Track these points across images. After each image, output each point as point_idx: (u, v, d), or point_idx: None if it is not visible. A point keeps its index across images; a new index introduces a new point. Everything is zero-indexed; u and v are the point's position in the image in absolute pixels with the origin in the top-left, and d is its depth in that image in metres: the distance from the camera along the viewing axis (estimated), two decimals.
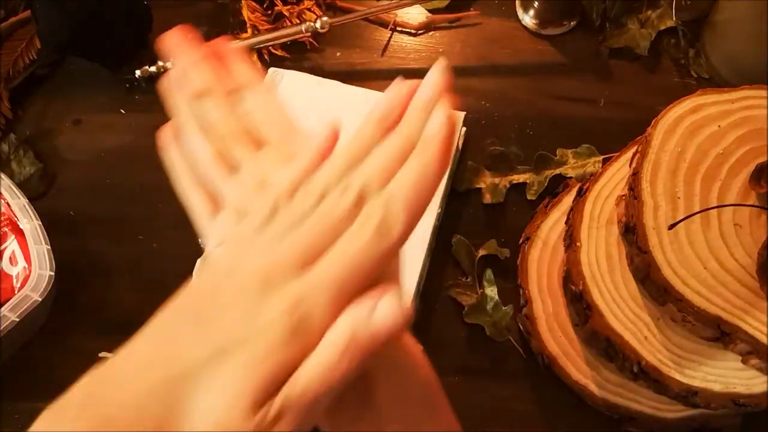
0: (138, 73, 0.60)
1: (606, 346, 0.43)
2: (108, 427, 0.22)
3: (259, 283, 0.24)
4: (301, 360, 0.23)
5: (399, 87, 0.27)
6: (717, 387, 0.41)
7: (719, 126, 0.43)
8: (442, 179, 0.27)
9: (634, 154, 0.44)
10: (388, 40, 0.62)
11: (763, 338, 0.37)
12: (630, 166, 0.45)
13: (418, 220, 0.25)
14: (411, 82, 0.27)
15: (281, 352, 0.23)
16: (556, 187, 0.54)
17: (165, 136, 0.31)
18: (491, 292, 0.51)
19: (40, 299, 0.47)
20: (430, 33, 0.62)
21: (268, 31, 0.60)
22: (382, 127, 0.27)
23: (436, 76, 0.27)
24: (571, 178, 0.54)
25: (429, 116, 0.26)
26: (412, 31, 0.62)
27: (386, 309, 0.23)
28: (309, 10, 0.61)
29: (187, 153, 0.31)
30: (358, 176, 0.25)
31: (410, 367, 0.29)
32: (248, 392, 0.22)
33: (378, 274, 0.24)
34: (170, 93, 0.30)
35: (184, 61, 0.30)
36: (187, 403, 0.22)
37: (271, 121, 0.30)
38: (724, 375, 0.41)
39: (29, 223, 0.49)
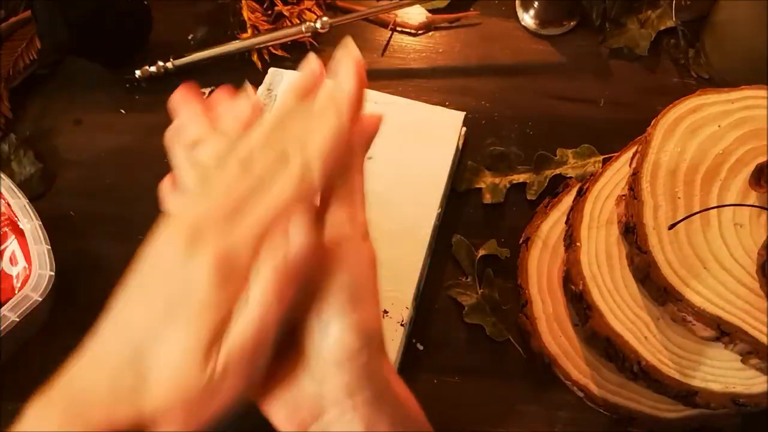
0: (138, 73, 0.60)
1: (606, 346, 0.43)
2: (87, 411, 0.24)
3: (186, 237, 0.25)
4: (236, 303, 0.25)
5: (312, 63, 0.32)
6: (717, 387, 0.41)
7: (719, 126, 0.43)
8: (349, 135, 0.30)
9: (634, 154, 0.44)
10: (388, 40, 0.62)
11: (763, 338, 0.37)
12: (630, 166, 0.45)
13: (332, 167, 0.28)
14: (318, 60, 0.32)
15: (214, 305, 0.24)
16: (556, 187, 0.54)
17: (164, 185, 0.31)
18: (491, 292, 0.51)
19: (40, 299, 0.47)
20: (430, 33, 0.62)
21: (268, 31, 0.60)
22: (300, 99, 0.30)
23: (347, 52, 0.31)
24: (571, 178, 0.54)
25: (344, 106, 0.30)
26: (412, 31, 0.62)
27: (297, 231, 0.25)
28: (309, 10, 0.61)
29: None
30: (281, 139, 0.28)
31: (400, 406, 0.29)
32: (193, 348, 0.24)
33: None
34: (170, 146, 0.31)
35: (183, 115, 0.31)
36: (150, 372, 0.24)
37: None
38: (724, 375, 0.41)
39: (29, 223, 0.49)
